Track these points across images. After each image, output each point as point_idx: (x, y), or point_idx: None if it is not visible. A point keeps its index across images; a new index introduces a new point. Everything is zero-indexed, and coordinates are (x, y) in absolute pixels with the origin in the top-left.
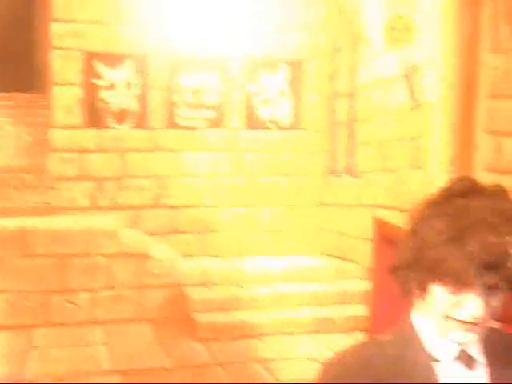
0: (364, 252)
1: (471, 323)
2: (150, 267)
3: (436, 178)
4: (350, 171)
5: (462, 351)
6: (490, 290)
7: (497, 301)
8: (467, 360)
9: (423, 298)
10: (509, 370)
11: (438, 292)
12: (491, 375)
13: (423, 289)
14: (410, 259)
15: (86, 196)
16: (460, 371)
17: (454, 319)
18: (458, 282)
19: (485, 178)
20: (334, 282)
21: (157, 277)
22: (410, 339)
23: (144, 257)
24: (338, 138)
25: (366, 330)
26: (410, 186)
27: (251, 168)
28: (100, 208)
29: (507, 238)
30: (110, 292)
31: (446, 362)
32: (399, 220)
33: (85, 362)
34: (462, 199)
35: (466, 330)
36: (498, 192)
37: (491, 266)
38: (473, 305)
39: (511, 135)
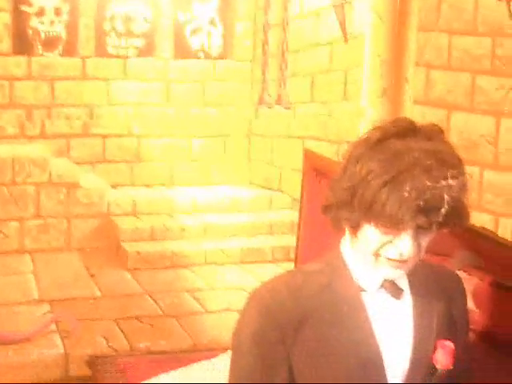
0: (293, 183)
1: (400, 261)
2: (78, 197)
3: (366, 110)
4: (281, 102)
5: (389, 281)
6: (419, 230)
7: (426, 239)
8: (393, 290)
9: (355, 235)
10: (430, 299)
11: (370, 231)
12: (415, 303)
13: (356, 227)
14: (343, 199)
15: (15, 124)
16: (386, 300)
17: (384, 257)
18: (392, 225)
19: (415, 111)
20: (262, 213)
21: (86, 206)
22: (338, 269)
23: (73, 186)
24: (269, 68)
25: (294, 261)
26: (340, 118)
27: (181, 98)
28: (29, 137)
29: (442, 181)
30: (38, 221)
31: (373, 291)
32: (329, 152)
33: (14, 291)
34: (398, 141)
35: (395, 267)
36: (435, 133)
37: (425, 209)
38: (404, 245)
39: (441, 68)
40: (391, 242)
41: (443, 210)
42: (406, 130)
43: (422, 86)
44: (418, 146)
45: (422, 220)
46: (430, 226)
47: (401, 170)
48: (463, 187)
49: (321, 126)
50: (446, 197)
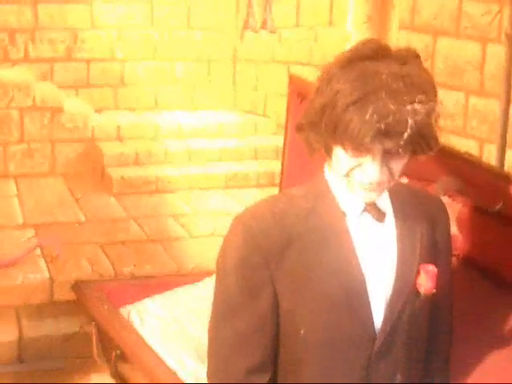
0: (278, 108)
1: (369, 184)
2: (63, 121)
3: (351, 35)
4: (266, 27)
5: (371, 205)
6: (388, 154)
7: (397, 164)
8: (376, 213)
9: (330, 158)
10: (413, 223)
11: (339, 153)
12: (398, 227)
13: (327, 149)
14: (314, 119)
15: None
16: (370, 225)
17: (356, 181)
18: (355, 147)
19: (401, 36)
20: (247, 138)
21: (70, 131)
22: (322, 193)
23: (57, 111)
24: None
25: (278, 186)
26: (326, 43)
27: (165, 21)
28: (12, 61)
29: (408, 106)
30: (22, 146)
31: (356, 215)
32: (314, 77)
33: None
34: (369, 63)
35: (367, 189)
36: (410, 57)
37: (387, 133)
38: (370, 168)
39: None
40: (360, 165)
41: (406, 135)
42: (379, 52)
43: (408, 11)
44: (387, 69)
45: (385, 144)
46: (395, 149)
47: (366, 91)
48: (431, 112)
49: (306, 51)
50: (409, 121)
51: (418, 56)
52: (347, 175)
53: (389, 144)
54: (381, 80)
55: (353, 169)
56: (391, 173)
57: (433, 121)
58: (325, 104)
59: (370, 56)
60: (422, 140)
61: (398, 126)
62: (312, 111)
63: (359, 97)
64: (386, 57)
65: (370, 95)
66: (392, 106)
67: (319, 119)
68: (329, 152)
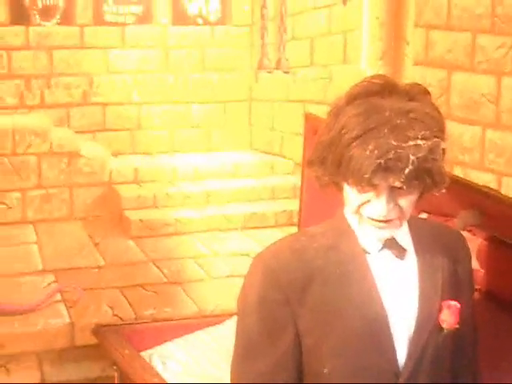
0: (294, 147)
1: (379, 221)
2: (80, 166)
3: (366, 72)
4: (281, 66)
5: (391, 241)
6: (395, 191)
7: (405, 201)
8: (396, 249)
9: (341, 194)
10: (435, 259)
11: (347, 189)
12: (420, 263)
13: (337, 186)
14: (322, 155)
15: (15, 95)
16: (391, 261)
17: (366, 217)
18: (358, 183)
19: (415, 72)
20: (264, 178)
21: (87, 175)
22: (342, 231)
23: (74, 155)
24: (268, 33)
25: (297, 225)
26: (340, 82)
27: (180, 64)
28: (29, 107)
29: (410, 142)
30: (40, 191)
31: (376, 252)
32: None
33: (17, 262)
34: (375, 98)
35: (377, 226)
36: (416, 93)
37: (388, 168)
38: (377, 205)
39: (441, 28)
40: (369, 201)
41: (407, 170)
42: (385, 88)
43: (422, 46)
44: (391, 105)
45: (386, 179)
46: (399, 185)
47: (369, 127)
48: (436, 148)
49: (321, 90)
50: (411, 157)
51: (426, 92)
52: (357, 212)
53: (390, 180)
54: (384, 116)
55: (361, 205)
56: (400, 209)
57: (438, 157)
58: (332, 139)
59: (376, 92)
60: (427, 176)
61: (399, 161)
62: (320, 147)
63: (361, 132)
64: (392, 93)
65: (373, 131)
66: (393, 142)
67: (327, 155)
68: (339, 188)
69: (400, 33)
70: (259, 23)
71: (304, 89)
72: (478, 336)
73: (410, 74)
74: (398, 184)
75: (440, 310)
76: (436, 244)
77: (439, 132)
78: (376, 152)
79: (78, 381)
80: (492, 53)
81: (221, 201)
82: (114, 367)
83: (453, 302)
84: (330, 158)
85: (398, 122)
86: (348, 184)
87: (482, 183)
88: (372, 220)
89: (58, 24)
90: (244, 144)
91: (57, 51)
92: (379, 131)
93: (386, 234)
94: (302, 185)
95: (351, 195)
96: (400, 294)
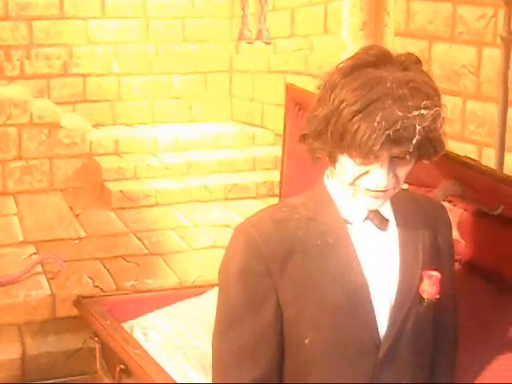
0: (275, 118)
1: (376, 191)
2: (60, 137)
3: (346, 43)
4: (261, 37)
5: (374, 212)
6: (395, 160)
7: (403, 170)
8: (379, 221)
9: (333, 166)
10: (416, 230)
11: (345, 162)
12: (401, 234)
13: (332, 158)
14: (318, 128)
15: None
16: (372, 232)
17: (362, 188)
18: (363, 155)
19: (396, 42)
20: (246, 149)
21: (68, 147)
22: (322, 202)
23: (54, 127)
24: (248, 3)
25: (278, 196)
26: (321, 52)
27: (160, 35)
28: (8, 78)
29: (414, 111)
30: (20, 163)
31: (358, 223)
32: (310, 86)
33: None
34: (371, 70)
35: (373, 196)
36: (411, 63)
37: (396, 139)
38: (378, 175)
39: None
40: (367, 172)
41: (414, 140)
42: (381, 59)
43: (403, 17)
44: (390, 76)
45: (393, 150)
46: (403, 156)
47: (372, 99)
48: (437, 117)
49: (302, 60)
50: (417, 127)
51: (418, 61)
52: (353, 183)
53: (397, 151)
54: (386, 87)
55: (359, 177)
56: (397, 179)
57: (439, 125)
58: (329, 113)
59: (372, 63)
60: (430, 145)
61: (406, 132)
62: (315, 121)
63: (365, 105)
64: (388, 63)
65: (377, 102)
66: (399, 113)
67: (324, 128)
68: (333, 161)
69: (381, 3)
70: None
71: (285, 59)
72: (457, 306)
73: (391, 45)
74: (402, 154)
75: (421, 281)
76: (417, 215)
77: (438, 101)
78: (383, 123)
79: (59, 353)
80: (473, 23)
81: (202, 172)
82: (95, 338)
83: (433, 273)
84: (330, 132)
85: (401, 92)
86: (350, 156)
87: (462, 154)
88: (369, 191)
89: None
90: (225, 115)
91: (36, 22)
92: (383, 102)
93: (380, 203)
94: (282, 156)
95: (349, 167)
96: (381, 265)
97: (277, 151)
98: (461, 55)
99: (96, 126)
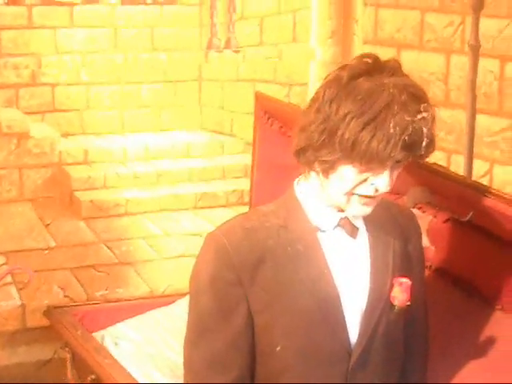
0: (245, 127)
1: (370, 197)
2: (29, 147)
3: (315, 51)
4: (230, 46)
5: (345, 220)
6: (396, 165)
7: (396, 174)
8: (349, 228)
9: (327, 177)
10: (386, 237)
11: (346, 171)
12: (371, 241)
13: (331, 168)
14: (320, 141)
15: None
16: (342, 240)
17: (357, 195)
18: (379, 163)
19: (365, 50)
20: (215, 157)
21: (37, 156)
22: (293, 210)
23: (24, 136)
24: (217, 12)
25: (248, 204)
26: (290, 60)
27: (129, 44)
28: None
29: (418, 115)
30: None
31: (329, 231)
32: (280, 94)
33: None
34: (368, 78)
35: (365, 203)
36: (396, 68)
37: (409, 144)
38: (382, 181)
39: (389, 7)
40: (366, 179)
41: (424, 143)
42: (374, 67)
43: (371, 25)
44: (389, 82)
45: (405, 155)
46: (406, 160)
47: (380, 108)
48: (434, 119)
49: (271, 69)
50: (424, 130)
51: (400, 66)
52: (351, 192)
53: (405, 155)
54: (389, 94)
55: (358, 184)
56: (392, 183)
57: (435, 126)
58: (334, 126)
59: (366, 71)
60: (431, 147)
61: (417, 135)
62: (316, 134)
63: (375, 114)
64: (379, 70)
65: (385, 110)
66: (407, 118)
67: (328, 141)
68: (329, 172)
69: (349, 12)
70: (208, 2)
71: (254, 68)
72: (428, 312)
73: (359, 53)
74: (406, 158)
75: (391, 288)
76: (387, 222)
77: (430, 102)
78: (398, 129)
79: (30, 363)
80: (441, 31)
81: (171, 181)
82: (66, 349)
83: (404, 279)
84: (338, 143)
85: (403, 97)
86: (358, 165)
87: (431, 161)
88: (364, 198)
89: (6, 4)
90: (194, 124)
91: (5, 31)
92: (392, 109)
93: (371, 209)
94: (252, 164)
95: (349, 176)
96: (351, 272)
97: (246, 160)
98: (429, 63)
99: (65, 135)
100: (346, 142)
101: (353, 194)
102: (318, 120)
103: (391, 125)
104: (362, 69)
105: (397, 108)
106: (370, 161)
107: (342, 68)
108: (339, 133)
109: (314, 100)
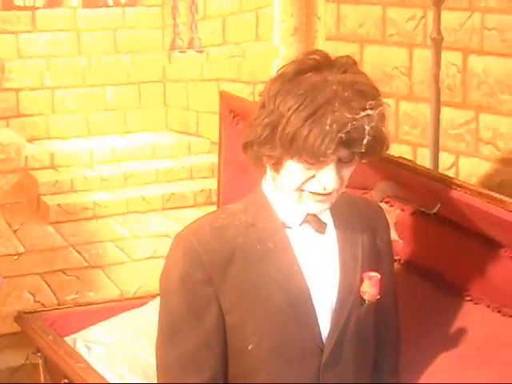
0: (210, 126)
1: (322, 194)
2: None
3: (279, 49)
4: (193, 46)
5: (312, 216)
6: (341, 162)
7: (348, 171)
8: (317, 224)
9: (277, 173)
10: (354, 231)
11: (292, 167)
12: (339, 237)
13: (278, 164)
14: (263, 135)
15: None
16: (311, 236)
17: (308, 191)
18: (315, 159)
19: (327, 46)
20: (182, 158)
21: (3, 162)
22: (261, 207)
23: None
24: (179, 13)
25: (216, 203)
26: (254, 59)
27: (92, 47)
28: None
29: (362, 113)
30: None
31: (296, 227)
32: (244, 92)
33: None
34: (314, 74)
35: (319, 200)
36: (349, 65)
37: (347, 141)
38: (327, 178)
39: (351, 2)
40: (314, 176)
41: (365, 141)
42: (322, 63)
43: (333, 21)
44: (334, 79)
45: (345, 152)
46: (352, 157)
47: (320, 103)
48: (382, 117)
49: (234, 68)
50: (366, 128)
51: (355, 63)
52: (300, 188)
53: (348, 152)
54: (332, 90)
55: (306, 181)
56: (342, 181)
57: (385, 124)
58: (276, 120)
59: (314, 67)
60: (377, 145)
61: (357, 133)
62: (261, 128)
63: (314, 109)
64: (329, 66)
65: (325, 106)
66: (348, 115)
67: (270, 135)
68: (278, 167)
69: (311, 8)
70: (170, 3)
71: (217, 67)
72: (398, 306)
73: (323, 49)
74: (350, 156)
75: (361, 282)
76: (355, 217)
77: (381, 100)
78: (335, 126)
79: (2, 369)
80: (402, 25)
81: (139, 182)
82: (38, 354)
83: (373, 274)
84: (279, 137)
85: (346, 94)
86: (299, 161)
87: (397, 155)
88: (315, 195)
89: None
90: (160, 125)
91: None
92: (332, 106)
93: (327, 206)
94: (219, 163)
95: (296, 172)
96: (321, 268)
97: (213, 159)
98: (392, 57)
99: (31, 140)
100: (286, 136)
101: (303, 190)
102: (262, 115)
103: (328, 121)
104: (310, 64)
105: (337, 104)
106: (308, 157)
107: (290, 64)
108: (280, 128)
109: (261, 95)
